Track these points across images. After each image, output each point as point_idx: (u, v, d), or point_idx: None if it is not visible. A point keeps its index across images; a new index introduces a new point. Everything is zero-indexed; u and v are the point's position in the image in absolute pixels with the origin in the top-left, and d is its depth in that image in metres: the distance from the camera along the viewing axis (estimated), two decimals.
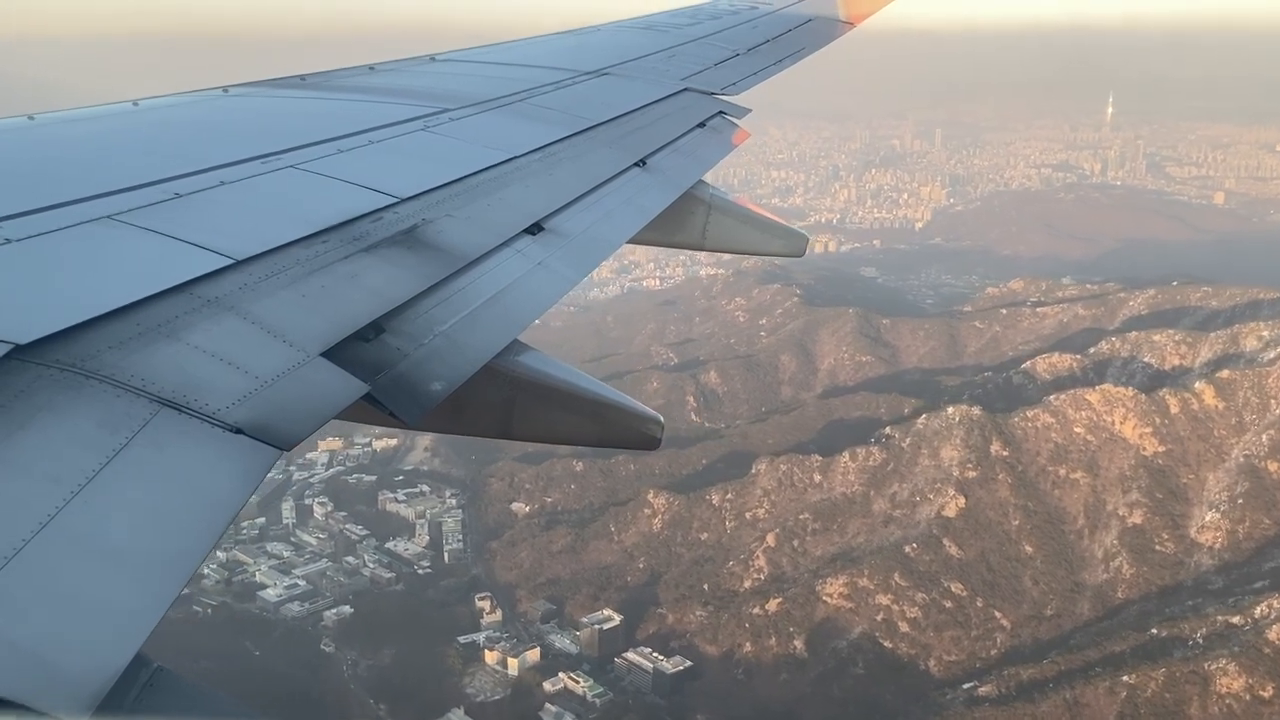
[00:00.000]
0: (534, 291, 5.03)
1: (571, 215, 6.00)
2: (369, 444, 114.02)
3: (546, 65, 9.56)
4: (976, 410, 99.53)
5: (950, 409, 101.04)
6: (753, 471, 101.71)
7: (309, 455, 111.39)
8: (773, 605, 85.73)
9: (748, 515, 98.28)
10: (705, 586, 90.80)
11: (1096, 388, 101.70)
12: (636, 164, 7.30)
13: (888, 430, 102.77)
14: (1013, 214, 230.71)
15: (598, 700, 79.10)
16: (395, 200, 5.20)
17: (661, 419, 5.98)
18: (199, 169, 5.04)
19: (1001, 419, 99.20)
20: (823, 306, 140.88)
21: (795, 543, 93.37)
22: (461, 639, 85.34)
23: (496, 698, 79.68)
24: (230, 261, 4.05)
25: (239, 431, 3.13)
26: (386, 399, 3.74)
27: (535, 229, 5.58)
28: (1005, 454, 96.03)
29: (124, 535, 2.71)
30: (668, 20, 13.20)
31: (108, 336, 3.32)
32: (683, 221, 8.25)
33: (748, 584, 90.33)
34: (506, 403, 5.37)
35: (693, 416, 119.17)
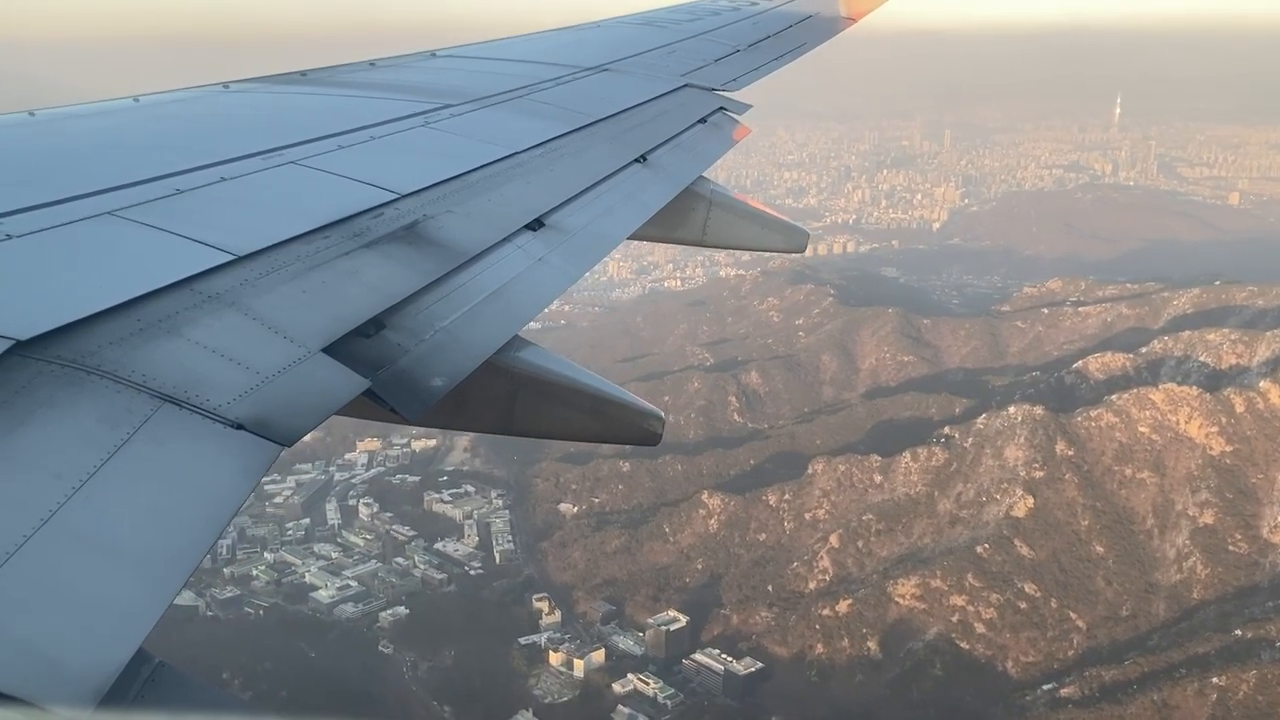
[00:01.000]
0: (535, 287, 5.03)
1: (572, 211, 6.00)
2: (408, 444, 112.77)
3: (547, 61, 9.55)
4: (1039, 410, 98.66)
5: (1011, 408, 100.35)
6: (809, 472, 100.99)
7: (348, 456, 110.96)
8: (843, 606, 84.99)
9: (807, 516, 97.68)
10: (769, 587, 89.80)
11: (1160, 387, 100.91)
12: (637, 160, 7.29)
13: (946, 430, 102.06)
14: (1031, 214, 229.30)
15: (669, 702, 77.97)
16: (396, 196, 5.20)
17: (662, 414, 5.98)
18: (200, 165, 5.04)
19: (1064, 419, 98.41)
20: (859, 307, 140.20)
21: (860, 543, 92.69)
22: (522, 640, 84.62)
23: (565, 699, 78.87)
24: (231, 257, 4.05)
25: (240, 427, 3.13)
26: (387, 395, 3.73)
27: (536, 225, 5.58)
28: (1070, 454, 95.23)
29: (125, 531, 2.71)
30: (668, 16, 13.18)
31: (109, 332, 3.32)
32: (684, 217, 8.25)
33: (813, 585, 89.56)
34: (508, 398, 5.38)
35: (735, 417, 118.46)
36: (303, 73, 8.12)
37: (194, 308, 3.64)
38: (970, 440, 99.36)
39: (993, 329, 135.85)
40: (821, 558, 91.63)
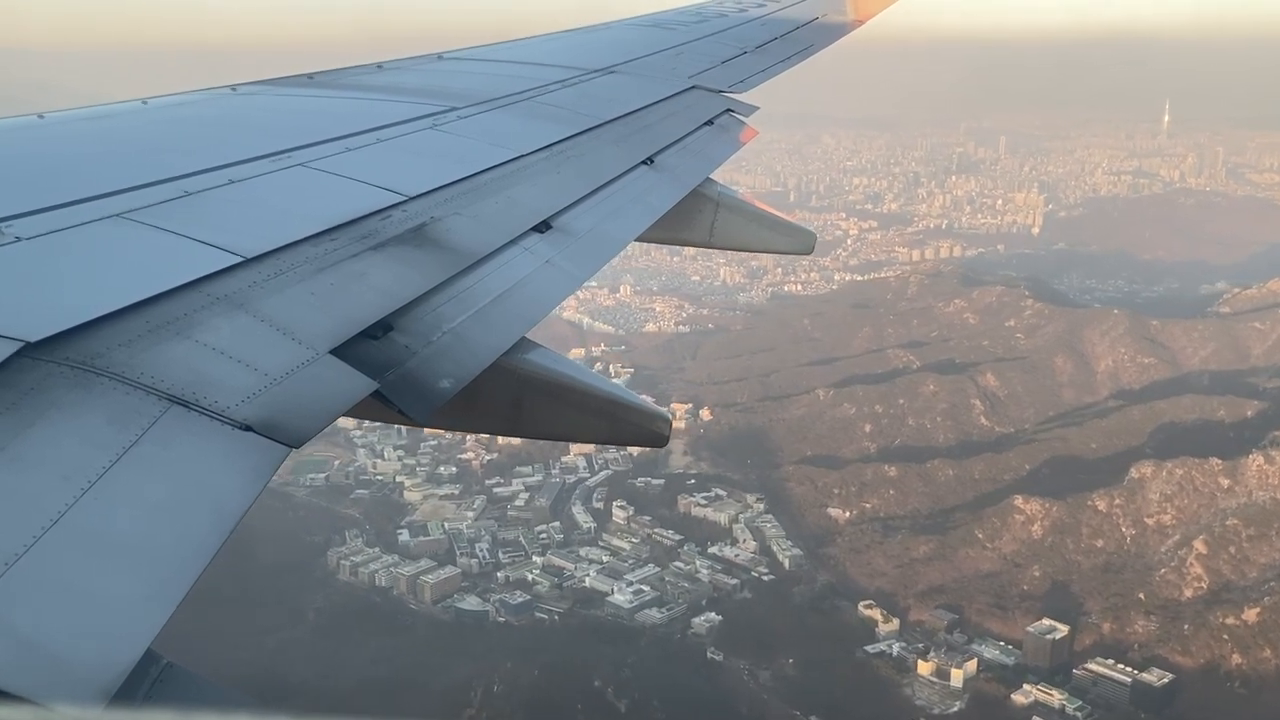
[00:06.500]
0: (542, 289, 5.03)
1: (579, 213, 6.00)
2: (623, 447, 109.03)
3: (554, 63, 9.55)
4: None
5: None
6: (1133, 475, 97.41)
7: (565, 459, 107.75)
8: (1250, 615, 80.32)
9: (1149, 521, 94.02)
10: (1140, 595, 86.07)
11: None
12: (644, 162, 7.29)
13: (1277, 433, 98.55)
14: (1135, 219, 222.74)
15: (1080, 714, 74.40)
16: (403, 198, 5.21)
17: (670, 417, 5.99)
18: (208, 167, 5.04)
19: None
20: (1073, 308, 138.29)
21: (1232, 549, 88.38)
22: (869, 648, 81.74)
23: (954, 709, 75.75)
24: (239, 259, 4.05)
25: (248, 429, 3.13)
26: (395, 397, 3.74)
27: (543, 227, 5.58)
28: None
29: (134, 532, 2.71)
30: (675, 18, 13.18)
31: (117, 334, 3.32)
32: (690, 219, 8.25)
33: (1189, 593, 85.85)
34: (516, 400, 5.39)
35: (982, 420, 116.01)
36: (310, 75, 8.13)
37: (202, 309, 3.65)
38: None
39: (1230, 331, 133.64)
40: (1191, 564, 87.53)
